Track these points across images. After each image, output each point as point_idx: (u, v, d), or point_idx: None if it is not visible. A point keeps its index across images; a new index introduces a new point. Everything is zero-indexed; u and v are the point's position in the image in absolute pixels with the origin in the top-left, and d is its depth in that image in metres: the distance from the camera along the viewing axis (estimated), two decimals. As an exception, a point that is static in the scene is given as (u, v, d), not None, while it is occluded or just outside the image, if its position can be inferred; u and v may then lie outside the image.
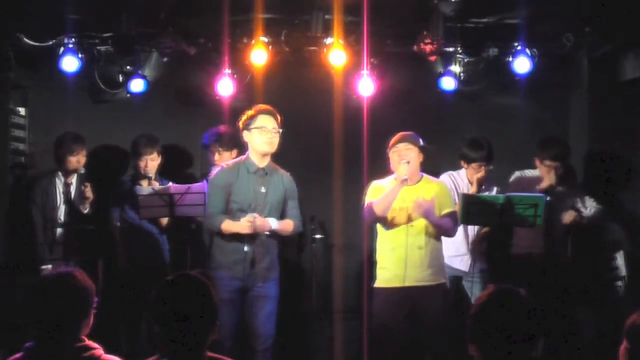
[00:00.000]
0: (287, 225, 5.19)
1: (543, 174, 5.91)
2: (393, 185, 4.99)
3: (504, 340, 2.49)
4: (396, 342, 5.02)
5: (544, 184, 5.84)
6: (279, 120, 5.12)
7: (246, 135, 5.12)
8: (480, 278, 5.84)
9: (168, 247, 6.19)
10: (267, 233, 5.08)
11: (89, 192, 5.89)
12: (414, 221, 5.03)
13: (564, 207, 5.88)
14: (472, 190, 5.80)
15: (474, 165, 5.81)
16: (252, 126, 5.07)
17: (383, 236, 5.15)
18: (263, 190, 5.10)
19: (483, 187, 5.88)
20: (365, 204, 5.11)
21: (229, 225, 5.04)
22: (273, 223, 5.07)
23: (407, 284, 4.99)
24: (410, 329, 5.06)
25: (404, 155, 5.03)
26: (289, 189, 5.23)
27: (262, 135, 5.06)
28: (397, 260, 5.02)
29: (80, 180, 6.01)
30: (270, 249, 5.16)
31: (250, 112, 5.13)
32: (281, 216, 5.21)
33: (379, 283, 5.13)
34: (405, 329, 5.03)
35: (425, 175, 5.22)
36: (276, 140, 5.09)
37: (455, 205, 5.30)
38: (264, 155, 5.11)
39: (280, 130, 5.10)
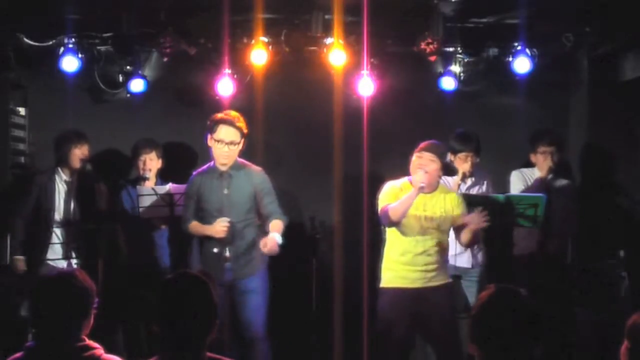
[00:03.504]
0: (280, 227, 5.26)
1: (539, 163, 5.97)
2: (410, 192, 4.95)
3: (505, 341, 2.49)
4: (400, 341, 5.01)
5: (543, 173, 5.89)
6: (243, 128, 5.24)
7: (209, 141, 5.27)
8: (477, 277, 5.85)
9: (169, 251, 6.20)
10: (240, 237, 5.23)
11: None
12: (427, 230, 5.01)
13: (562, 206, 5.92)
14: (456, 180, 5.79)
15: (460, 155, 5.81)
16: (213, 135, 5.22)
17: (392, 241, 5.11)
18: (226, 192, 5.22)
19: (468, 179, 5.87)
20: (381, 207, 5.06)
21: (196, 228, 5.30)
22: (278, 238, 5.17)
23: (414, 285, 4.99)
24: (416, 328, 5.06)
25: (425, 164, 4.98)
26: (259, 185, 5.29)
27: (219, 148, 5.21)
28: (405, 264, 5.02)
29: (86, 178, 6.00)
30: (244, 248, 5.24)
31: (215, 117, 5.28)
32: (258, 213, 5.31)
33: (384, 283, 5.11)
34: (409, 328, 5.03)
35: (441, 183, 5.19)
36: (234, 152, 5.23)
37: None
38: (222, 164, 5.25)
39: (241, 140, 5.22)
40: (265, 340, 5.28)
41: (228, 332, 5.11)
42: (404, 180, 5.12)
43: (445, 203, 5.08)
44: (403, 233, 5.03)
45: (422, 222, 5.00)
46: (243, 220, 5.25)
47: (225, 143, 5.20)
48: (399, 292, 5.02)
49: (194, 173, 5.43)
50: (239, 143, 5.25)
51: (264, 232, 5.30)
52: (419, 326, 5.05)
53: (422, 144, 5.06)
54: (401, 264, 5.03)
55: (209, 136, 5.27)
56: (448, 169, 5.16)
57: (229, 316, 5.19)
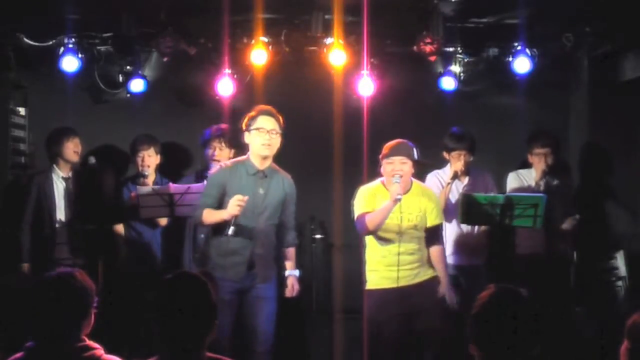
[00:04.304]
0: (294, 257, 5.26)
1: (535, 164, 5.99)
2: (386, 204, 4.88)
3: (505, 340, 2.49)
4: (393, 342, 5.00)
5: (538, 174, 5.92)
6: (281, 121, 5.01)
7: (247, 137, 5.00)
8: (474, 275, 5.86)
9: (161, 247, 6.21)
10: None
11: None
12: (405, 232, 4.99)
13: (561, 206, 5.93)
14: (447, 179, 5.80)
15: (453, 154, 5.82)
16: (252, 127, 4.96)
17: (373, 245, 5.09)
18: (262, 192, 4.99)
19: (464, 179, 5.88)
20: (357, 215, 5.02)
21: (209, 215, 4.92)
22: (296, 274, 5.21)
23: (399, 284, 4.98)
24: (407, 327, 5.05)
25: (399, 169, 4.91)
26: (289, 194, 5.14)
27: (261, 136, 4.92)
28: (388, 265, 5.00)
29: (85, 173, 6.01)
30: (268, 251, 5.10)
31: (251, 113, 5.02)
32: (279, 219, 5.13)
33: (370, 285, 5.09)
34: (401, 327, 5.01)
35: (414, 181, 5.13)
36: (276, 141, 4.96)
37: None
38: (264, 158, 4.98)
39: (280, 132, 4.97)
40: (270, 352, 5.11)
41: (228, 340, 5.00)
42: (376, 183, 5.07)
43: (421, 203, 5.03)
44: (381, 238, 5.01)
45: (399, 226, 4.96)
46: (273, 222, 5.08)
47: (267, 131, 4.92)
48: (384, 293, 5.01)
49: (222, 164, 5.19)
50: (279, 133, 4.97)
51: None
52: (409, 324, 5.03)
53: (387, 149, 4.98)
54: (383, 265, 5.02)
55: (246, 134, 4.99)
56: (418, 165, 5.10)
57: (230, 323, 4.98)
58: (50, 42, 6.28)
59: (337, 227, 6.60)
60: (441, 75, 6.52)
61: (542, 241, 5.92)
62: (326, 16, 6.12)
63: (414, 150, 5.01)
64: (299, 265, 5.33)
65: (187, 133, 6.69)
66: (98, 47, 6.42)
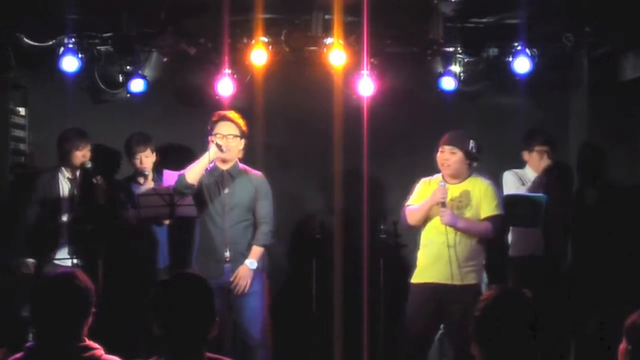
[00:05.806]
0: (258, 254, 5.26)
1: (535, 162, 6.00)
2: (427, 199, 4.97)
3: (507, 341, 2.49)
4: (417, 338, 4.99)
5: (540, 171, 5.91)
6: (241, 126, 5.30)
7: (210, 141, 5.29)
8: None
9: (167, 248, 6.20)
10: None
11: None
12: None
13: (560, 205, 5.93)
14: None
15: None
16: (212, 132, 5.29)
17: (421, 233, 5.14)
18: (227, 191, 5.27)
19: None
20: (405, 205, 5.12)
21: (190, 167, 5.25)
22: (251, 265, 5.20)
23: (434, 280, 4.96)
24: (436, 326, 5.06)
25: (446, 158, 4.99)
26: (259, 190, 5.34)
27: (219, 140, 5.23)
28: (427, 257, 5.03)
29: (86, 175, 6.00)
30: (246, 248, 5.26)
31: (213, 119, 5.34)
32: (253, 217, 5.32)
33: (412, 278, 5.11)
34: (429, 325, 5.01)
35: (475, 174, 5.13)
36: (234, 144, 5.27)
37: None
38: (222, 160, 5.29)
39: (240, 135, 5.29)
40: (265, 346, 5.24)
41: (228, 337, 5.06)
42: (437, 175, 5.11)
43: (473, 194, 5.02)
44: (431, 224, 5.02)
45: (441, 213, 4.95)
46: (244, 220, 5.30)
47: (224, 135, 5.25)
48: (420, 289, 5.01)
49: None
50: (237, 137, 5.29)
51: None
52: (437, 325, 5.04)
53: (443, 137, 5.06)
54: (425, 256, 5.04)
55: (209, 138, 5.29)
56: (473, 156, 5.09)
57: (228, 320, 5.16)
58: (50, 42, 6.28)
59: (337, 227, 6.61)
60: (441, 75, 6.52)
61: (538, 241, 5.91)
62: (326, 16, 6.12)
63: (470, 142, 5.02)
64: (264, 261, 5.33)
65: (187, 133, 6.69)
66: (98, 47, 6.42)
